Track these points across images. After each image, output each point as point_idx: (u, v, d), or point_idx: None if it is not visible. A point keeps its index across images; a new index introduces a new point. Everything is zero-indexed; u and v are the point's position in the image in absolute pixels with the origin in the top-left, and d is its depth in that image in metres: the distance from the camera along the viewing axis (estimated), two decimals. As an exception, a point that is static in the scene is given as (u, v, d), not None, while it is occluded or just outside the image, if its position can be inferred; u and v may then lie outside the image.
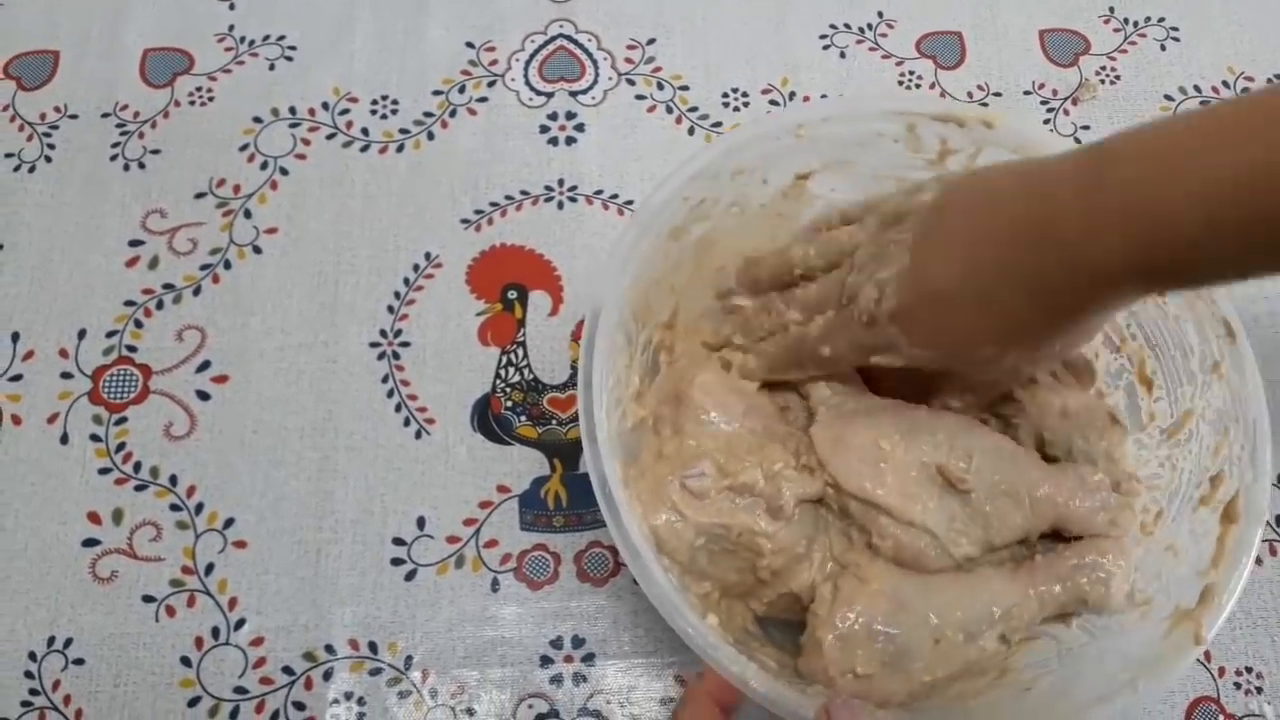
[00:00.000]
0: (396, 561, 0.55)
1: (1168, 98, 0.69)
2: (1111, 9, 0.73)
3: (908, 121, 0.53)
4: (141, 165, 0.64)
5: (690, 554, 0.47)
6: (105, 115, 0.66)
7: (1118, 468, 0.51)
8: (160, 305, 0.61)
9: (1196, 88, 0.70)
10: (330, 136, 0.66)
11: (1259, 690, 0.54)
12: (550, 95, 0.68)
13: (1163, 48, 0.71)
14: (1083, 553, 0.48)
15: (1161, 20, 0.72)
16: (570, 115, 0.67)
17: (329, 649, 0.54)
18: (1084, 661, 0.48)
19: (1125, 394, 0.54)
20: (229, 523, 0.56)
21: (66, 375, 0.59)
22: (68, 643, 0.53)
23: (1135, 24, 0.72)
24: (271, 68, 0.68)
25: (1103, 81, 0.70)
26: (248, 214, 0.63)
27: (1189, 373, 0.51)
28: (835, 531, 0.48)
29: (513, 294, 0.62)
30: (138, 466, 0.57)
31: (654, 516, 0.47)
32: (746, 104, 0.68)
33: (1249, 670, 0.55)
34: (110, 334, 0.60)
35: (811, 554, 0.48)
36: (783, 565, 0.47)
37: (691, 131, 0.67)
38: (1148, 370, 0.53)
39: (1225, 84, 0.70)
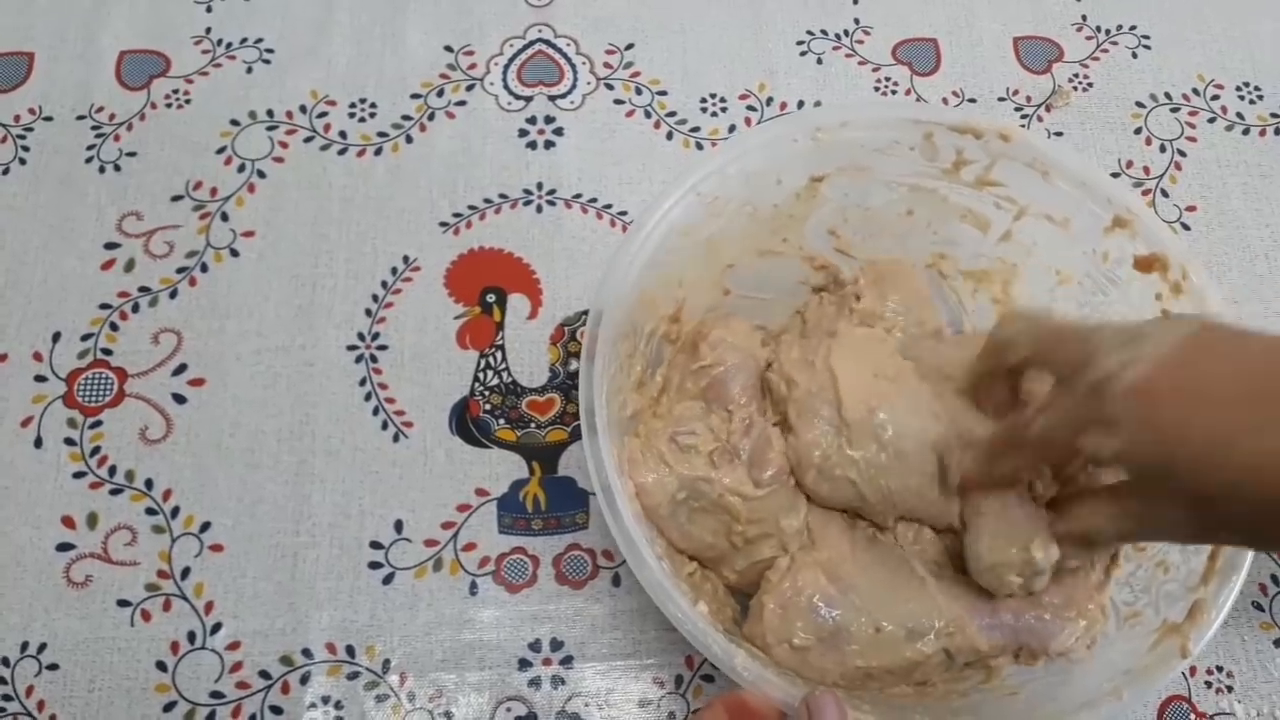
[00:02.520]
0: (374, 565, 0.55)
1: (1139, 104, 0.70)
2: (1084, 17, 0.74)
3: (925, 130, 0.53)
4: (117, 168, 0.64)
5: (672, 508, 0.49)
6: (80, 117, 0.66)
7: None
8: (136, 308, 0.60)
9: (1167, 95, 0.71)
10: (308, 139, 0.65)
11: (1230, 689, 0.55)
12: (529, 99, 0.68)
13: (1134, 55, 0.72)
14: (1053, 594, 0.49)
15: (1133, 28, 0.73)
16: (549, 119, 0.67)
17: (306, 653, 0.53)
18: (1070, 670, 0.48)
19: None
20: (205, 526, 0.56)
21: (40, 379, 0.58)
22: (41, 648, 0.53)
23: (1107, 32, 0.73)
24: (249, 71, 0.68)
25: (1075, 88, 0.71)
26: (225, 217, 0.63)
27: None
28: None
29: (491, 297, 0.62)
30: (113, 470, 0.57)
31: (641, 473, 0.48)
32: (724, 109, 0.68)
33: (1220, 669, 0.55)
34: (85, 337, 0.60)
35: (781, 529, 0.50)
36: (756, 535, 0.49)
37: (670, 136, 0.67)
38: None
39: (1195, 91, 0.71)
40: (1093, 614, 0.49)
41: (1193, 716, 0.54)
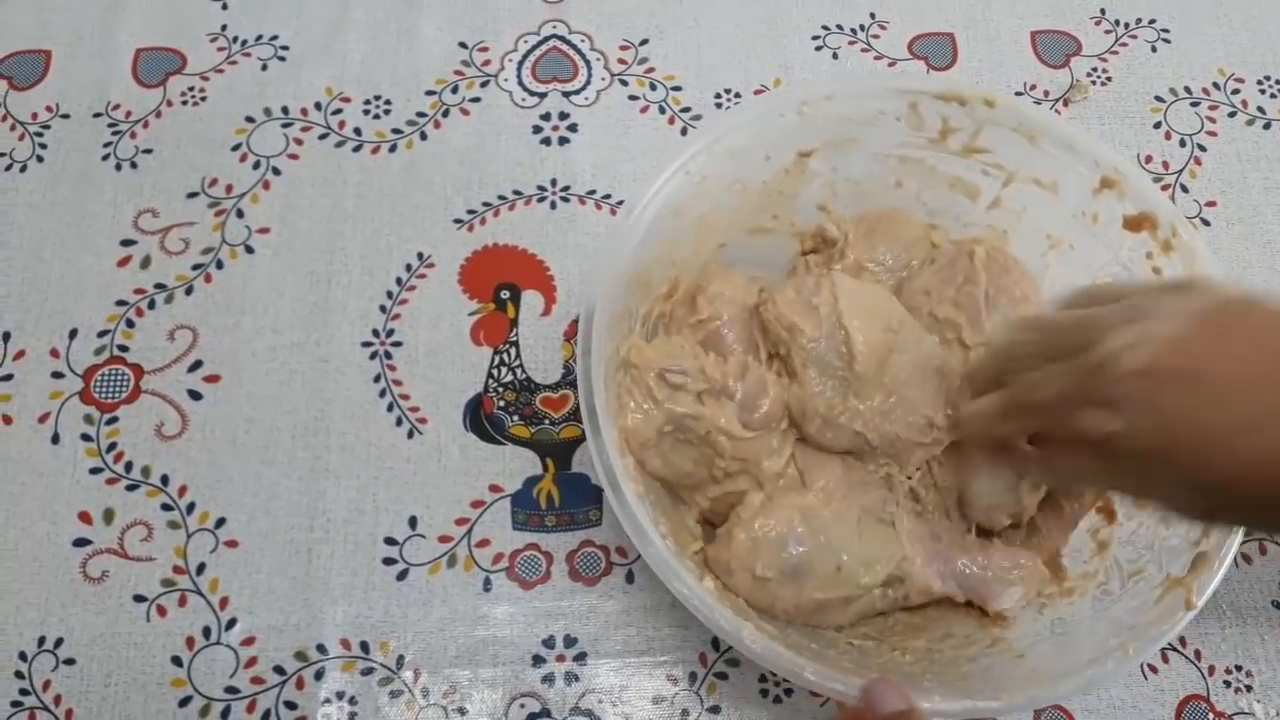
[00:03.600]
0: (388, 561, 0.55)
1: (1158, 99, 0.70)
2: (1103, 10, 0.73)
3: (910, 100, 0.54)
4: (133, 165, 0.64)
5: (657, 440, 0.50)
6: (97, 115, 0.66)
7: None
8: (152, 305, 0.61)
9: (1187, 89, 0.70)
10: (323, 136, 0.66)
11: (1249, 689, 0.54)
12: (543, 95, 0.68)
13: (1153, 49, 0.72)
14: (1001, 557, 0.51)
15: (1152, 22, 0.73)
16: (563, 115, 0.67)
17: (320, 648, 0.53)
18: (1076, 630, 0.49)
19: None
20: (220, 522, 0.56)
21: (58, 375, 0.59)
22: (58, 643, 0.53)
23: (1126, 25, 0.72)
24: (264, 68, 0.68)
25: (1094, 83, 0.70)
26: (240, 214, 0.63)
27: None
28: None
29: (505, 294, 0.62)
30: (129, 466, 0.57)
31: (627, 412, 0.49)
32: (739, 105, 0.68)
33: (1239, 669, 0.55)
34: (102, 334, 0.60)
35: (762, 469, 0.51)
36: (737, 470, 0.50)
37: (684, 132, 0.67)
38: None
39: (1216, 85, 0.70)
40: (1030, 581, 0.51)
41: (1211, 716, 0.54)
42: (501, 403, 0.59)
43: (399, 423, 0.58)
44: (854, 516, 0.50)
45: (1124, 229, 0.53)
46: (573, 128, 0.67)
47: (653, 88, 0.68)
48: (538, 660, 0.54)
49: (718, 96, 0.68)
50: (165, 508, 0.56)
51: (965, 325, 0.53)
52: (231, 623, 0.54)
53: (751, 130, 0.53)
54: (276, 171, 0.64)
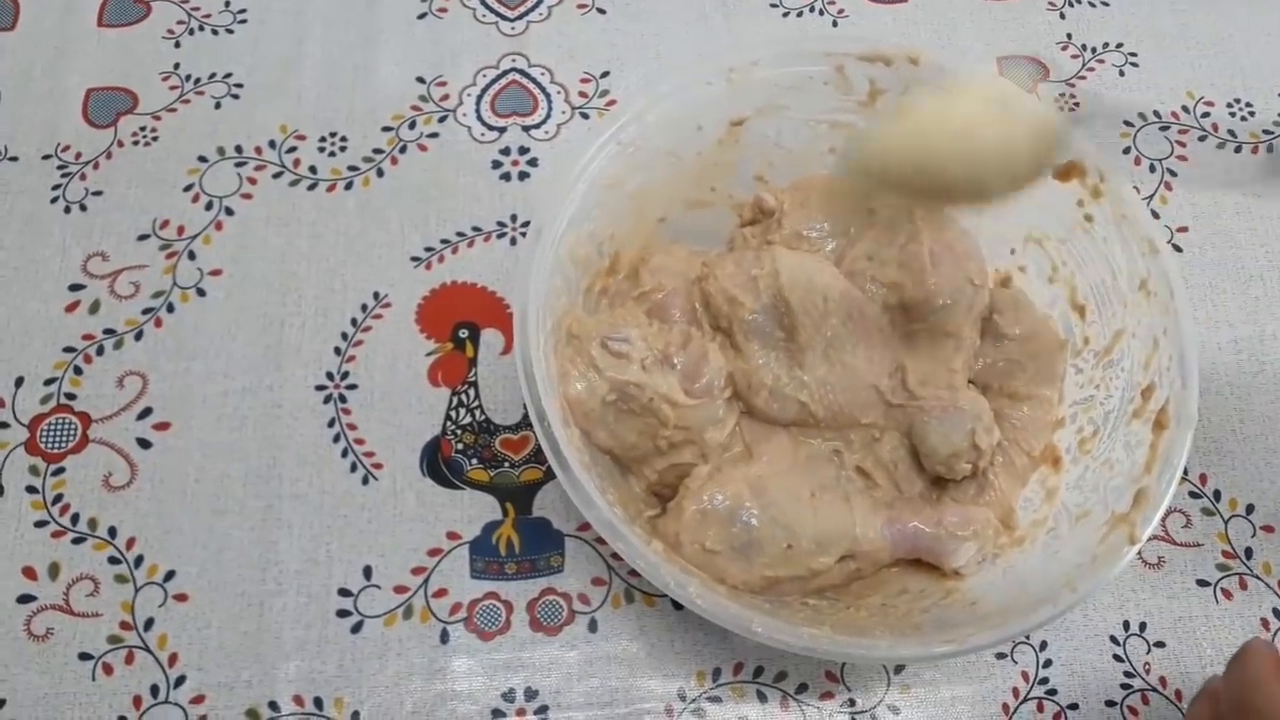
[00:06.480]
0: (342, 613, 0.53)
1: (1127, 124, 0.69)
2: (1069, 35, 0.72)
3: (836, 63, 0.54)
4: (83, 207, 0.63)
5: (601, 410, 0.50)
6: (46, 157, 0.64)
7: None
8: (101, 351, 0.59)
9: (1156, 113, 0.69)
10: (277, 175, 0.64)
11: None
12: (503, 130, 0.67)
13: (1121, 73, 0.71)
14: (953, 514, 0.51)
15: (1120, 46, 0.72)
16: (523, 150, 0.66)
17: (273, 706, 0.52)
18: (1026, 574, 0.49)
19: (1060, 321, 0.55)
20: (170, 575, 0.54)
21: (3, 425, 0.57)
22: (0, 705, 0.51)
23: (1094, 50, 0.72)
24: (217, 106, 0.66)
25: (1062, 108, 0.69)
26: (192, 255, 0.62)
27: (1119, 293, 0.52)
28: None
29: (464, 333, 0.60)
30: (75, 518, 0.55)
31: (571, 383, 0.49)
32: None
33: None
34: (49, 381, 0.58)
35: (705, 440, 0.51)
36: (681, 440, 0.50)
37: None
38: (1079, 297, 0.55)
39: (1185, 109, 0.69)
40: (984, 536, 0.50)
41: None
42: (460, 445, 0.57)
43: (354, 468, 0.57)
44: (806, 493, 0.50)
45: (1053, 178, 0.52)
46: (533, 162, 0.66)
47: (614, 120, 0.67)
48: (497, 714, 0.52)
49: (680, 128, 0.67)
50: (113, 561, 0.54)
51: (909, 285, 0.53)
52: (180, 680, 0.52)
53: (680, 99, 0.53)
54: (229, 212, 0.63)
